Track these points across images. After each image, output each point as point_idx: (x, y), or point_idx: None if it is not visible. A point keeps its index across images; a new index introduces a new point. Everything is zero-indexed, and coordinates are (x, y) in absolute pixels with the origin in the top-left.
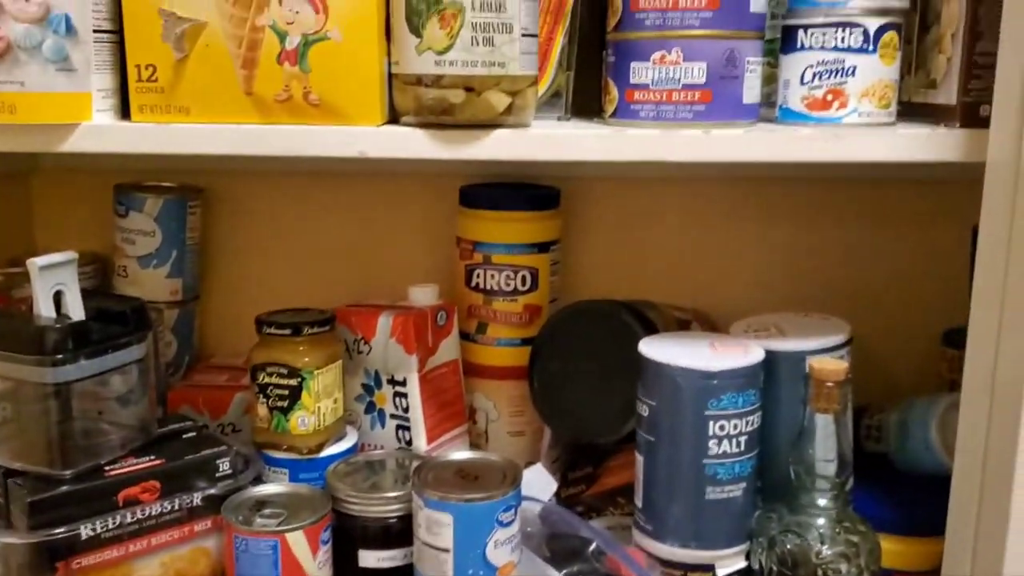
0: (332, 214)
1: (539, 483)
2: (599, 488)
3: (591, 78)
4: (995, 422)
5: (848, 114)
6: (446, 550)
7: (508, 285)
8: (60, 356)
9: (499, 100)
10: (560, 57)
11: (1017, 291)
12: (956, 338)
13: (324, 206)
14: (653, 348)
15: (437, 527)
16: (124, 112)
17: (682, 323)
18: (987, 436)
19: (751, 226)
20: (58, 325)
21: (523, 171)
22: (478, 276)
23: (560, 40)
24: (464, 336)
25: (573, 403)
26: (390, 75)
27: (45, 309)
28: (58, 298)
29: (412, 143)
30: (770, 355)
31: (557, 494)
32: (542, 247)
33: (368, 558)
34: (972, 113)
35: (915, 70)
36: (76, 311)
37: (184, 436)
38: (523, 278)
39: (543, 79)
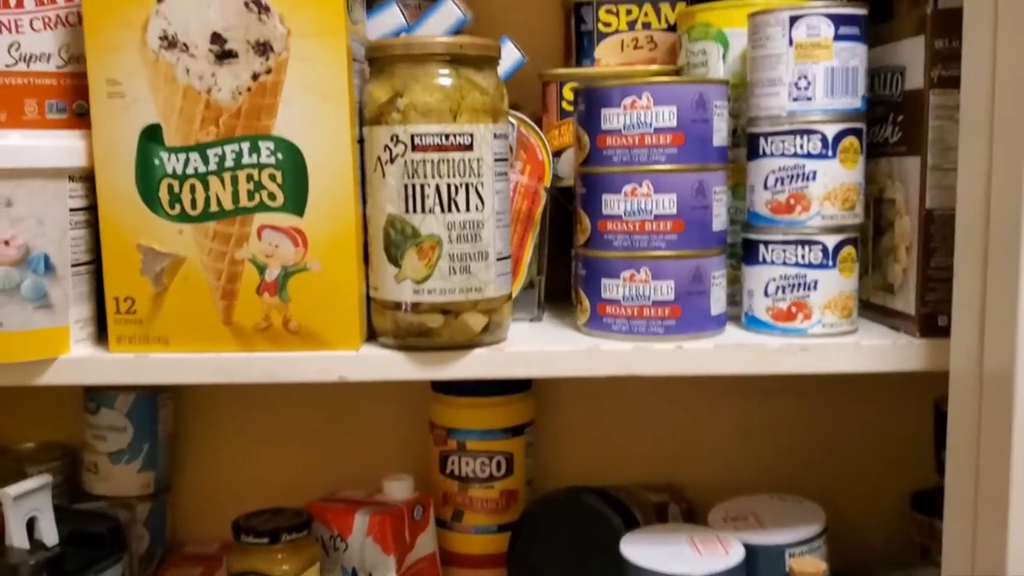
0: (303, 401)
1: None
2: None
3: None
4: None
5: (812, 325)
6: None
7: (484, 471)
8: None
9: (476, 321)
10: (531, 260)
11: (989, 494)
12: (924, 502)
13: (295, 395)
14: (635, 550)
15: None
16: (101, 336)
17: (659, 507)
18: None
19: (721, 399)
20: (33, 561)
21: None
22: (453, 463)
23: (531, 245)
24: (440, 523)
25: None
26: (368, 296)
27: (18, 539)
28: (31, 523)
29: (391, 366)
30: (749, 549)
31: None
32: (516, 431)
33: None
34: (931, 323)
35: (871, 270)
36: (50, 536)
37: None
38: (499, 463)
39: (516, 282)
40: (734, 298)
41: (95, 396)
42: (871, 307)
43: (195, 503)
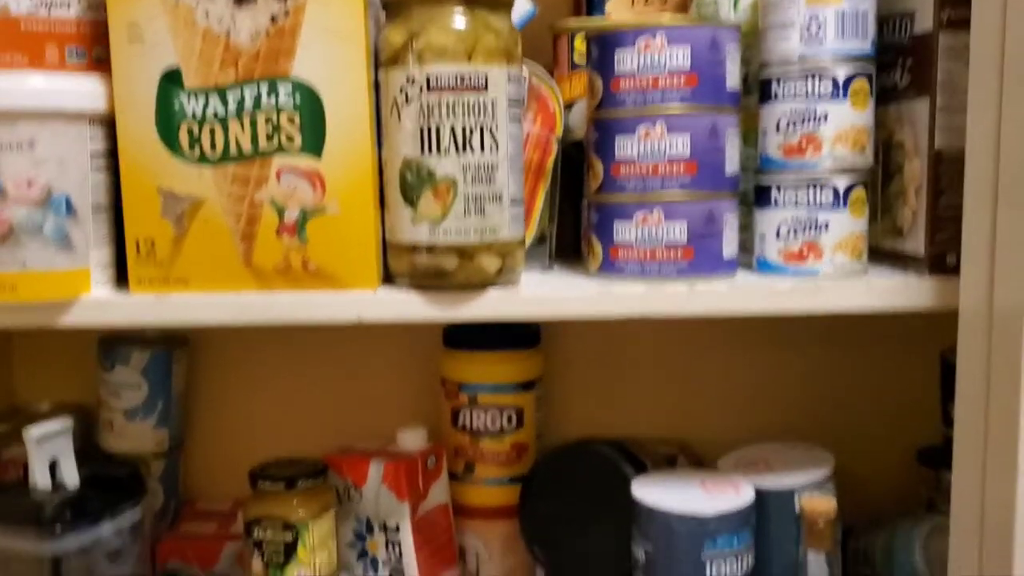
0: (315, 357)
1: None
2: None
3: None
4: (986, 553)
5: (823, 266)
6: None
7: (495, 425)
8: (58, 529)
9: (491, 263)
10: (543, 210)
11: (999, 432)
12: (930, 457)
13: (307, 349)
14: (646, 491)
15: None
16: (121, 280)
17: (669, 458)
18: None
19: (730, 354)
20: (56, 500)
21: None
22: (464, 417)
23: (542, 196)
24: (451, 476)
25: (565, 545)
26: (384, 239)
27: (41, 479)
28: (53, 466)
29: (407, 306)
30: (760, 492)
31: None
32: (527, 386)
33: None
34: (939, 262)
35: (880, 215)
36: (71, 479)
37: None
38: (509, 417)
39: (528, 233)
40: (745, 245)
41: (110, 354)
42: (881, 253)
43: (207, 460)
